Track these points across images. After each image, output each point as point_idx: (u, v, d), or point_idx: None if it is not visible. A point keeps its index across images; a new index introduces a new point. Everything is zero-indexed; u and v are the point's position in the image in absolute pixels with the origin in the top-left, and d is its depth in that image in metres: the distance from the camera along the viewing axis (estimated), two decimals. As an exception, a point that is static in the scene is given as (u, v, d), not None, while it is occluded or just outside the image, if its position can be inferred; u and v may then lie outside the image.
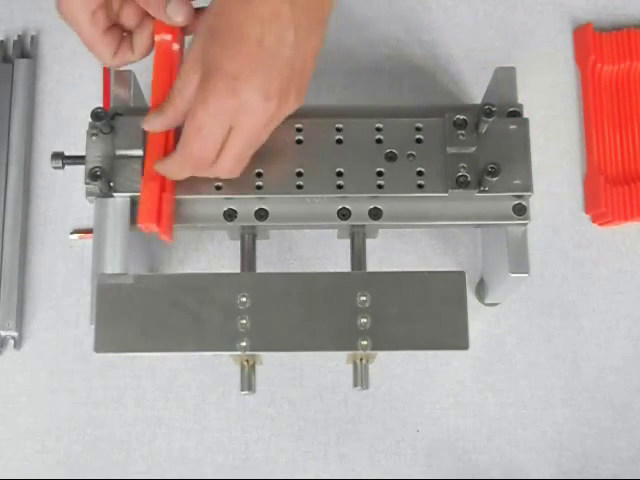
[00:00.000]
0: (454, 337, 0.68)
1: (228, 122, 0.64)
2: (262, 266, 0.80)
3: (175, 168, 0.68)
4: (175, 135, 0.69)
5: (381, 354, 0.70)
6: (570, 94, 0.90)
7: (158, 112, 0.68)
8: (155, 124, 0.68)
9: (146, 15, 0.70)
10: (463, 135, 0.71)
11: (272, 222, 0.73)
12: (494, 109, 0.69)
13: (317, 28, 0.64)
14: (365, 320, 0.68)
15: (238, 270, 0.75)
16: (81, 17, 0.68)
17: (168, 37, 0.70)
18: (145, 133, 0.70)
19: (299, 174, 0.72)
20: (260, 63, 0.62)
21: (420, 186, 0.72)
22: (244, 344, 0.67)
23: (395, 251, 0.86)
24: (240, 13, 0.62)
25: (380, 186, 0.72)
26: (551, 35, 0.92)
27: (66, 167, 0.73)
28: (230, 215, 0.73)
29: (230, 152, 0.66)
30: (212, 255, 0.86)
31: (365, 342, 0.67)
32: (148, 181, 0.69)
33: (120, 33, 0.71)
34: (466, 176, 0.71)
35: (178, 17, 0.68)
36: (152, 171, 0.69)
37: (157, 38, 0.70)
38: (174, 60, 0.71)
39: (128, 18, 0.70)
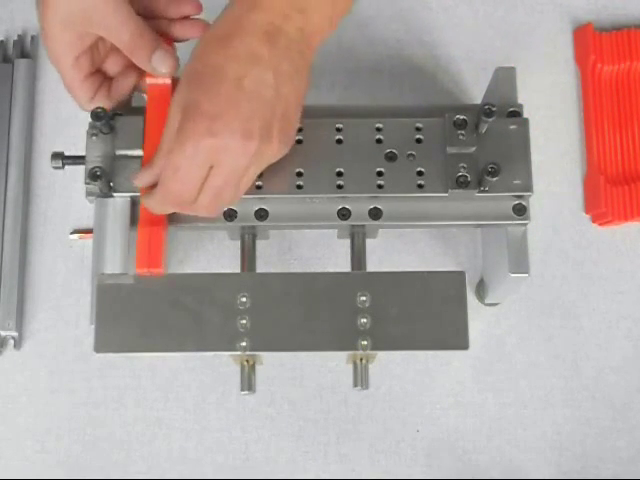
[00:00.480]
0: (454, 337, 0.68)
1: (208, 162, 0.63)
2: (262, 266, 0.80)
3: (157, 205, 0.68)
4: None
5: (381, 354, 0.70)
6: (570, 94, 0.90)
7: (148, 166, 0.67)
8: (145, 179, 0.68)
9: (130, 64, 0.70)
10: (463, 135, 0.71)
11: (272, 222, 0.73)
12: (494, 109, 0.69)
13: (300, 73, 0.64)
14: (365, 320, 0.68)
15: (238, 270, 0.75)
16: (64, 60, 0.68)
17: (160, 81, 0.70)
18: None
19: (299, 174, 0.72)
20: (239, 103, 0.62)
21: (420, 186, 0.72)
22: (244, 344, 0.67)
23: (395, 251, 0.86)
24: (219, 55, 0.62)
25: (380, 186, 0.71)
26: (551, 35, 0.92)
27: (66, 167, 0.73)
28: (230, 215, 0.73)
29: (208, 189, 0.65)
30: (212, 255, 0.86)
31: (365, 342, 0.67)
32: (144, 226, 0.70)
33: (101, 79, 0.70)
34: (466, 176, 0.71)
35: (163, 68, 0.69)
36: (147, 214, 0.70)
37: (149, 81, 0.71)
38: (166, 103, 0.70)
39: (112, 66, 0.71)
